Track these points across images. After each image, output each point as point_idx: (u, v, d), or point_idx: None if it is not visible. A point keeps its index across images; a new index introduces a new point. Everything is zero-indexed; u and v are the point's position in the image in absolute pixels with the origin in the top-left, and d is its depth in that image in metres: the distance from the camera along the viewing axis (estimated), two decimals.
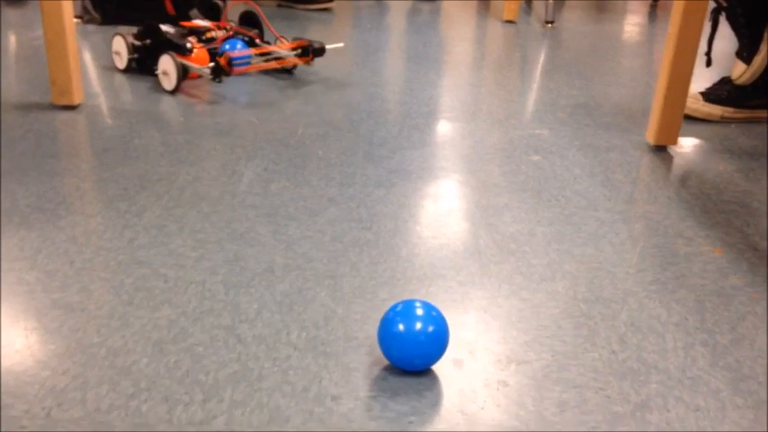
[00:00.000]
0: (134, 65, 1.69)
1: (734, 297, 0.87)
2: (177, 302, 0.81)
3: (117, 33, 1.69)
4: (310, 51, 1.70)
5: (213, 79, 1.54)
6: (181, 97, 1.57)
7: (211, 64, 1.54)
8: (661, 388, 0.70)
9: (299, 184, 1.14)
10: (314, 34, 2.27)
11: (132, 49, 1.68)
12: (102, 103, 1.52)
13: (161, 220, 1.01)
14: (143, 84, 1.66)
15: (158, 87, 1.63)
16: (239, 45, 1.69)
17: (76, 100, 1.46)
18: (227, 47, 1.67)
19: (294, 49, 1.71)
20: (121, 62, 1.70)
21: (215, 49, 1.66)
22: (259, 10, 1.80)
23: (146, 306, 0.80)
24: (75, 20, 2.25)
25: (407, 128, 1.43)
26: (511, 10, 2.55)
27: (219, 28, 1.76)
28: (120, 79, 1.68)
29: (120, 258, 0.90)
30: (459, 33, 2.38)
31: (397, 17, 2.62)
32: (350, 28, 2.39)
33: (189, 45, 1.61)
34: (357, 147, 1.31)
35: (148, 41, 1.65)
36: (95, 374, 0.69)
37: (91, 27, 2.23)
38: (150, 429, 0.62)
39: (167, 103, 1.53)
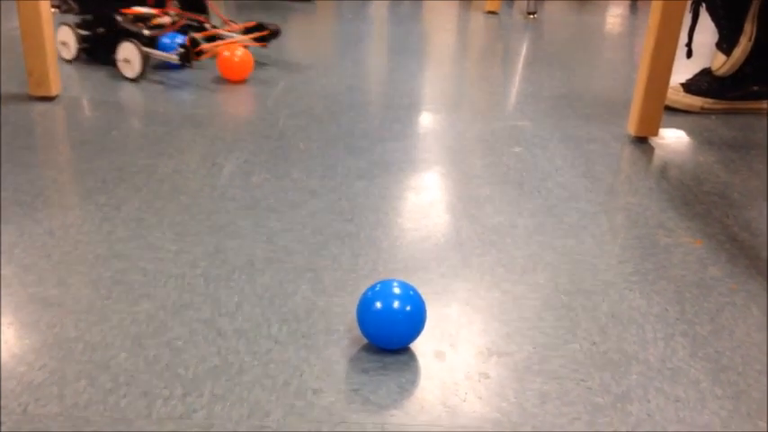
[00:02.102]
0: (84, 55, 1.70)
1: (713, 288, 0.87)
2: (156, 296, 0.80)
3: (63, 23, 1.68)
4: (266, 35, 1.71)
5: (182, 65, 1.56)
6: (160, 88, 1.55)
7: (180, 49, 1.55)
8: (641, 379, 0.70)
9: (279, 176, 1.13)
10: (294, 25, 2.25)
11: (81, 39, 1.68)
12: (81, 94, 1.50)
13: (140, 213, 0.99)
14: (121, 75, 1.64)
15: (140, 77, 1.61)
16: (178, 39, 1.66)
17: (54, 91, 1.44)
18: (167, 41, 1.65)
19: (249, 30, 1.73)
20: (69, 53, 1.69)
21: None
22: None
23: (124, 300, 0.79)
24: (52, 10, 2.22)
25: (389, 119, 1.42)
26: (493, 1, 2.55)
27: (165, 14, 1.73)
28: (99, 71, 1.66)
29: (98, 252, 0.89)
30: (441, 24, 2.38)
31: (379, 8, 2.61)
32: (331, 18, 2.38)
33: (147, 32, 1.61)
34: (338, 138, 1.30)
35: (101, 30, 1.66)
36: (73, 369, 0.68)
37: (68, 17, 2.19)
38: (129, 424, 0.62)
39: (146, 95, 1.51)
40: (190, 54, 1.54)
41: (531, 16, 2.52)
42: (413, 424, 0.63)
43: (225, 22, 1.79)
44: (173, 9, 1.76)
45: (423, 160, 1.22)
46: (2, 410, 0.63)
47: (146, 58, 1.55)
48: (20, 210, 0.99)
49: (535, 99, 1.59)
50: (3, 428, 0.61)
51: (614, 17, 2.64)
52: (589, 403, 0.67)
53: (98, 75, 1.63)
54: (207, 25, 1.76)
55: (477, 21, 2.45)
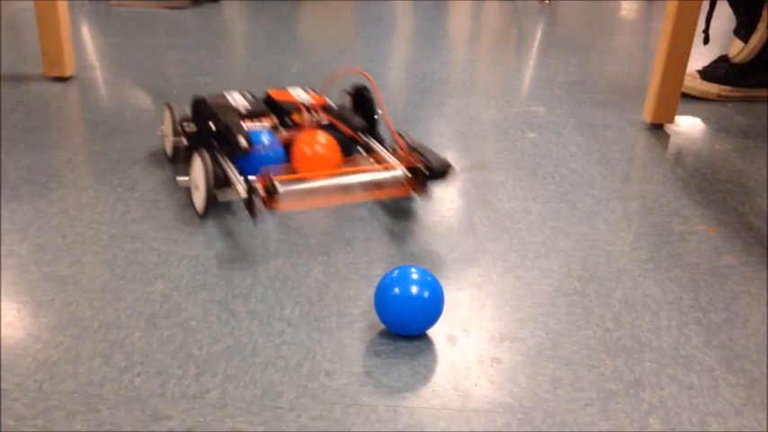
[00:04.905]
0: (185, 152, 1.08)
1: (728, 276, 0.87)
2: (170, 276, 0.81)
3: (167, 103, 1.10)
4: (423, 175, 0.94)
5: (253, 218, 0.92)
6: (174, 69, 1.55)
7: (243, 191, 0.87)
8: (654, 366, 0.70)
9: None
10: (308, 9, 2.24)
11: (181, 130, 1.06)
12: (95, 74, 1.50)
13: (154, 194, 1.00)
14: (136, 56, 1.64)
15: (153, 59, 1.61)
16: (265, 136, 0.99)
17: (68, 71, 1.44)
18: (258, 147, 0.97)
19: (404, 166, 0.95)
20: (168, 144, 1.09)
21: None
22: (374, 85, 1.12)
23: (139, 280, 0.80)
24: None
25: (402, 103, 1.41)
26: None
27: (312, 109, 1.08)
28: (114, 51, 1.66)
29: (112, 232, 0.90)
30: (456, 9, 2.36)
31: None
32: (345, 2, 2.36)
33: (243, 142, 0.91)
34: None
35: (196, 125, 1.05)
36: (88, 348, 0.69)
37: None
38: (143, 403, 0.62)
39: (161, 77, 1.51)
40: (253, 203, 0.86)
41: (546, 1, 2.50)
42: (425, 407, 0.64)
43: (395, 141, 1.03)
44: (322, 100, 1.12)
45: (436, 145, 1.22)
46: (18, 387, 0.63)
47: (215, 184, 0.91)
48: (34, 189, 0.99)
49: (550, 85, 1.58)
50: (18, 405, 0.61)
51: (630, 2, 2.62)
52: (601, 389, 0.67)
53: (113, 55, 1.64)
54: (358, 141, 1.06)
55: (492, 6, 2.43)
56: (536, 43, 1.96)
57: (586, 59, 1.80)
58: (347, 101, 1.16)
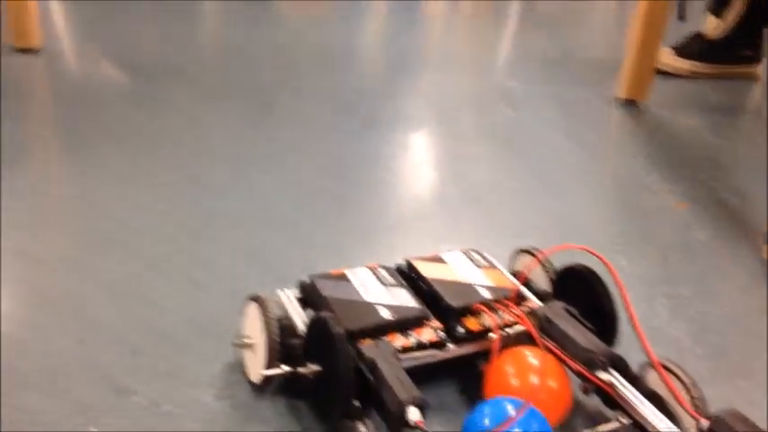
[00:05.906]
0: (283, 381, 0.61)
1: (698, 251, 0.87)
2: (139, 252, 0.80)
3: (255, 298, 0.62)
4: None
5: None
6: (146, 41, 1.52)
7: None
8: (623, 338, 0.71)
9: (265, 132, 1.12)
10: None
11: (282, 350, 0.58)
12: (64, 46, 1.47)
13: (122, 169, 0.98)
14: (106, 27, 1.61)
15: (122, 32, 1.58)
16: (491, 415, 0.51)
17: (36, 43, 1.41)
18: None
19: None
20: (255, 372, 0.60)
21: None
22: (613, 271, 0.61)
23: (107, 256, 0.79)
24: None
25: (379, 78, 1.41)
26: None
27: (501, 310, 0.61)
28: (83, 23, 1.63)
29: (80, 207, 0.88)
30: None
31: None
32: None
33: (415, 414, 0.48)
34: (326, 96, 1.29)
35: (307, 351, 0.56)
36: (55, 324, 0.68)
37: None
38: (113, 380, 0.61)
39: (133, 49, 1.48)
40: None
41: None
42: None
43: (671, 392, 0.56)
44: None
45: (411, 119, 1.21)
46: None
47: None
48: (1, 164, 0.97)
49: (526, 60, 1.58)
50: None
51: None
52: None
53: (82, 27, 1.60)
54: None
55: None
56: (513, 19, 1.95)
57: (562, 36, 1.80)
58: (545, 283, 0.68)
